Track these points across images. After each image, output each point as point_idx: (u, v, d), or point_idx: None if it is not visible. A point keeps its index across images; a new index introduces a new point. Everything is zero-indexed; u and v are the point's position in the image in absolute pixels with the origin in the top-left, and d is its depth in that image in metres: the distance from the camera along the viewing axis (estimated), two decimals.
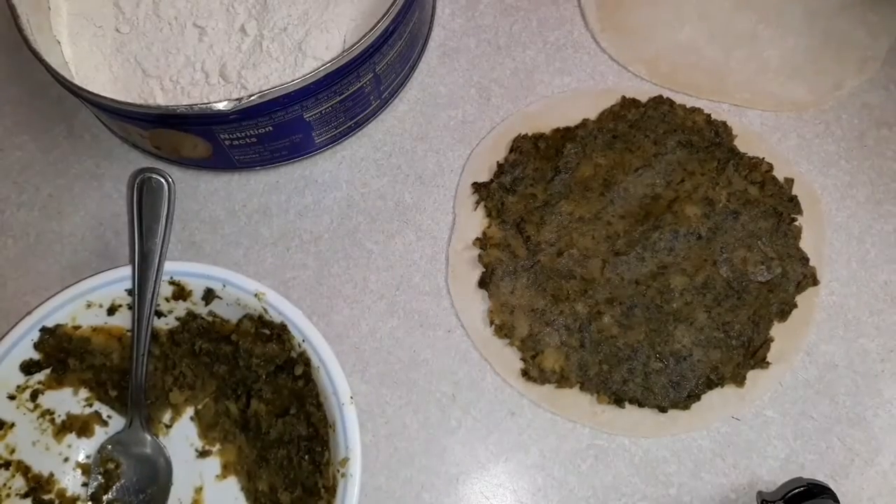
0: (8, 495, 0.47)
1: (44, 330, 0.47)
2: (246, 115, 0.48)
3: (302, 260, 0.54)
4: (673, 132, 0.56)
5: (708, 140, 0.55)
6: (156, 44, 0.55)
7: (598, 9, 0.61)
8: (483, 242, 0.54)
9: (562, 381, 0.50)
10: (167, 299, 0.49)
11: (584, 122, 0.57)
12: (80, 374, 0.49)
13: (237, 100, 0.46)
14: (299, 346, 0.47)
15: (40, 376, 0.48)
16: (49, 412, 0.49)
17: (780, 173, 0.55)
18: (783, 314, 0.51)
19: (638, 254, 0.52)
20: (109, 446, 0.49)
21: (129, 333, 0.49)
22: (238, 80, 0.53)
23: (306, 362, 0.46)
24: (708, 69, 0.59)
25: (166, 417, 0.50)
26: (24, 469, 0.48)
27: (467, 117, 0.58)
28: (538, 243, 0.53)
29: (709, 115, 0.56)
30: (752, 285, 0.51)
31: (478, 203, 0.55)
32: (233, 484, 0.49)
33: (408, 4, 0.49)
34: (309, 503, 0.46)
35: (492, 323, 0.52)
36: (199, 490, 0.49)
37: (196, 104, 0.47)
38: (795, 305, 0.51)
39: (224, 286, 0.48)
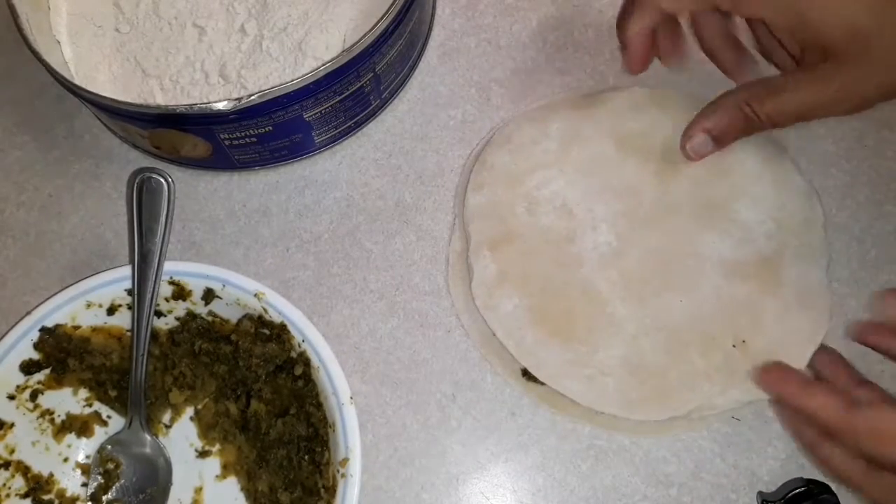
0: (8, 495, 0.47)
1: (44, 330, 0.47)
2: (246, 114, 0.48)
3: (302, 260, 0.54)
4: None
5: None
6: (156, 43, 0.55)
7: None
8: None
9: None
10: (167, 299, 0.49)
11: None
12: (79, 374, 0.49)
13: (237, 100, 0.46)
14: (299, 346, 0.47)
15: (40, 376, 0.48)
16: (49, 412, 0.49)
17: None
18: None
19: None
20: (109, 446, 0.49)
21: (128, 333, 0.49)
22: (238, 79, 0.53)
23: (306, 362, 0.46)
24: None
25: (166, 417, 0.50)
26: (23, 469, 0.48)
27: (467, 117, 0.58)
28: None
29: None
30: None
31: None
32: (233, 484, 0.49)
33: (408, 4, 0.49)
34: (309, 503, 0.46)
35: None
36: (198, 490, 0.49)
37: (196, 104, 0.47)
38: None
39: (224, 286, 0.48)
